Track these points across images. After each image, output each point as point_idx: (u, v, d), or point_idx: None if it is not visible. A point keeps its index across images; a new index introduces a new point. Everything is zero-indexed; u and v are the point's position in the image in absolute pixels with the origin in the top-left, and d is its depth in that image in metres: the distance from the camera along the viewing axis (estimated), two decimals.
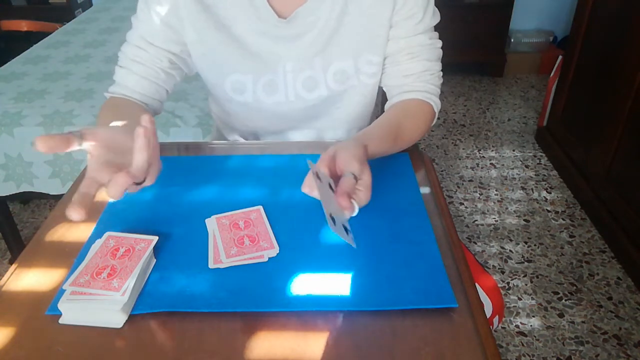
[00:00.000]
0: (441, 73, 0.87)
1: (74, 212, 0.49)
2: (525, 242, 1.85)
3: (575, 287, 1.65)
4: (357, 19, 0.81)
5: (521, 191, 2.13)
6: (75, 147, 0.53)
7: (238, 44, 0.82)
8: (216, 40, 0.82)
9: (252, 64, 0.84)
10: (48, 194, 1.52)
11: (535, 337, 1.48)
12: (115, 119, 0.65)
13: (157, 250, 0.61)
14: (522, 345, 1.45)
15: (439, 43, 0.86)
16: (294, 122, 0.94)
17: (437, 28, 0.87)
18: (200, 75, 0.90)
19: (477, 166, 2.31)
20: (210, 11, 0.80)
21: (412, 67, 0.84)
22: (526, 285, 1.66)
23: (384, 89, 0.90)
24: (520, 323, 1.52)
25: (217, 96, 0.92)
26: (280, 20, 0.80)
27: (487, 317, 0.84)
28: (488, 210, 2.02)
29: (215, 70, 0.86)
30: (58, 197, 1.50)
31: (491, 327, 0.85)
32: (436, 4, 0.85)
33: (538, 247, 1.82)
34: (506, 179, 2.21)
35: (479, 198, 2.09)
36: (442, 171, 2.27)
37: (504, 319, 1.53)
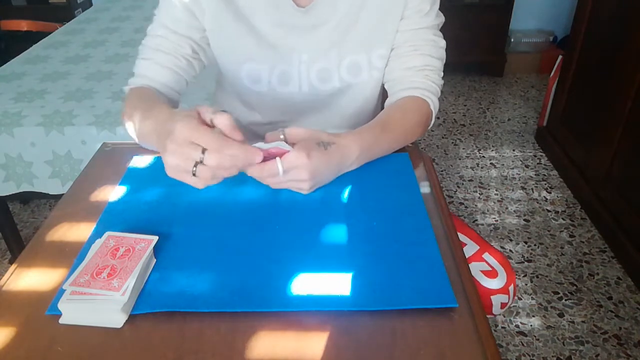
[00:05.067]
0: (442, 73, 0.87)
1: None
2: (525, 242, 1.85)
3: (575, 287, 1.65)
4: (373, 12, 0.83)
5: (521, 191, 2.13)
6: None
7: (256, 34, 0.84)
8: (234, 30, 0.83)
9: (268, 54, 0.86)
10: (48, 194, 1.52)
11: (535, 336, 1.48)
12: (142, 108, 0.73)
13: (157, 250, 0.61)
14: (522, 345, 1.45)
15: (443, 43, 0.87)
16: (302, 112, 0.94)
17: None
18: (218, 63, 0.92)
19: (477, 166, 2.31)
20: (231, 1, 0.82)
21: (414, 60, 0.85)
22: (526, 285, 1.66)
23: (385, 86, 0.91)
24: (520, 323, 1.52)
25: (233, 84, 0.93)
26: (298, 9, 0.82)
27: (503, 285, 0.85)
28: (488, 210, 2.02)
29: (231, 59, 0.88)
30: (58, 197, 1.49)
31: (509, 297, 0.86)
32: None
33: (538, 247, 1.82)
34: (506, 179, 2.21)
35: (479, 198, 2.09)
36: (442, 171, 2.27)
37: (504, 319, 1.53)
